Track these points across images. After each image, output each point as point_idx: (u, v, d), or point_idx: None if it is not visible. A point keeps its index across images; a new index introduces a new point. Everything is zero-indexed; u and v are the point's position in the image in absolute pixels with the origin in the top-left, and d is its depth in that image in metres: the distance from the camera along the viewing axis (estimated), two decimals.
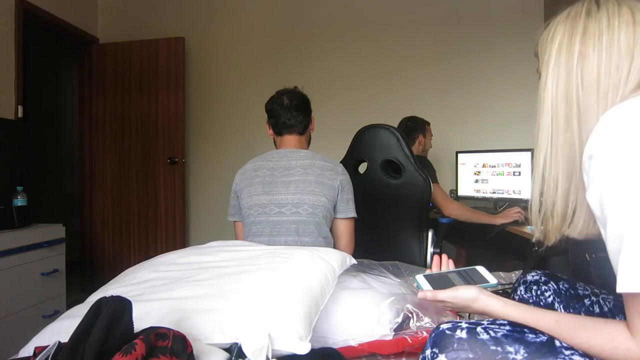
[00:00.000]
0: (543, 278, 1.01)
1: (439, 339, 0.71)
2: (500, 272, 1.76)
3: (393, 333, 0.99)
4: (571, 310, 0.95)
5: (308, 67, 3.51)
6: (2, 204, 2.25)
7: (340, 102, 3.44)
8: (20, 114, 2.83)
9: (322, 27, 3.54)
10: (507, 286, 1.55)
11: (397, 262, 1.31)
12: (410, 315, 1.02)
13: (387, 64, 3.45)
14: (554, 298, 0.98)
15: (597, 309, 0.92)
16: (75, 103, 3.97)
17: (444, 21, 3.36)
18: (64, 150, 4.45)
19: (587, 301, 0.94)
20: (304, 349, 0.84)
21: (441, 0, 3.37)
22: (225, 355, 0.81)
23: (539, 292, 1.00)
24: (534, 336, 0.69)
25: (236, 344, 0.83)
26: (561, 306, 0.97)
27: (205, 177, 3.71)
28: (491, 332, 0.70)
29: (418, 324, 1.00)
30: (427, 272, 0.92)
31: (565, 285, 0.99)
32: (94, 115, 3.62)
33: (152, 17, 3.74)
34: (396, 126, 2.53)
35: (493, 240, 2.26)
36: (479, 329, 0.71)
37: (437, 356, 0.70)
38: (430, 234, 1.92)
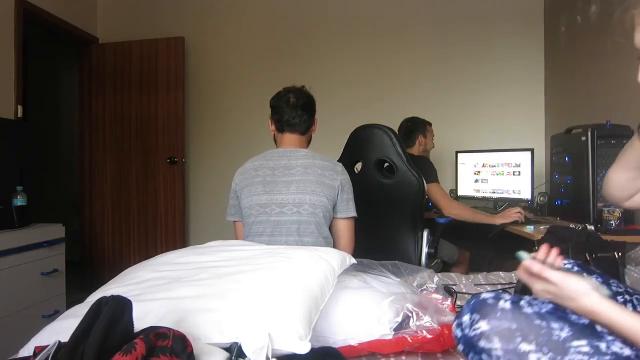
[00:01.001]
0: (576, 268, 0.96)
1: (480, 307, 0.69)
2: (501, 272, 1.76)
3: (393, 333, 0.99)
4: None
5: (308, 67, 3.52)
6: (2, 204, 2.25)
7: (340, 102, 3.44)
8: (20, 114, 2.83)
9: (322, 27, 3.54)
10: (507, 286, 1.55)
11: (397, 262, 1.31)
12: (410, 315, 1.01)
13: (387, 64, 3.45)
14: None
15: (630, 308, 0.89)
16: (75, 103, 3.97)
17: (444, 22, 3.37)
18: (64, 150, 4.45)
19: (620, 298, 0.91)
20: (304, 348, 0.84)
21: (441, 2, 3.37)
22: (226, 355, 0.81)
23: None
24: (577, 318, 0.68)
25: (236, 343, 0.83)
26: None
27: (205, 177, 3.71)
28: (535, 307, 0.69)
29: (418, 323, 1.00)
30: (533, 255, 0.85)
31: (599, 280, 0.93)
32: (94, 115, 3.62)
33: (152, 17, 3.74)
34: (397, 126, 2.54)
35: (493, 241, 2.26)
36: (522, 302, 0.70)
37: (477, 322, 0.68)
38: (425, 234, 1.92)
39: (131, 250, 3.57)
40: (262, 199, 1.53)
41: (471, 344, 0.69)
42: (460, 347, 0.72)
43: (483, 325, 0.67)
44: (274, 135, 1.71)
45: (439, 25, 3.37)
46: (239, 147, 3.56)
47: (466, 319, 0.70)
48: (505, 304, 0.68)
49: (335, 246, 1.58)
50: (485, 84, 3.31)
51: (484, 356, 0.67)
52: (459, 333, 0.71)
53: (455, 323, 0.73)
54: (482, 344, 0.67)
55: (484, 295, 0.71)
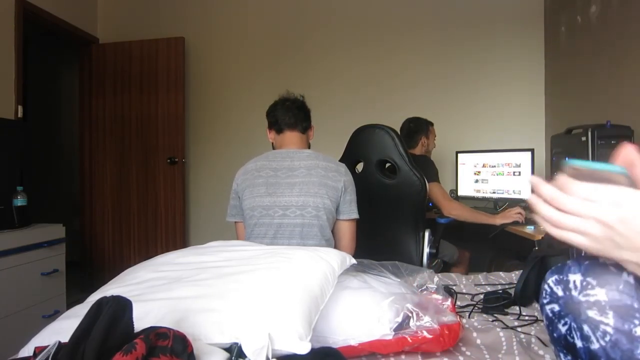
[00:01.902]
0: None
1: (598, 270, 0.57)
2: (501, 272, 1.76)
3: (393, 332, 0.99)
4: None
5: (308, 67, 3.51)
6: (2, 204, 2.25)
7: (341, 102, 3.44)
8: (20, 114, 2.84)
9: (322, 27, 3.54)
10: (507, 286, 1.55)
11: (396, 262, 1.31)
12: (410, 315, 1.01)
13: (388, 64, 3.45)
14: None
15: None
16: (75, 103, 3.97)
17: (444, 23, 3.37)
18: (64, 150, 4.45)
19: None
20: (304, 348, 0.84)
21: (442, 3, 3.37)
22: (226, 355, 0.81)
23: None
24: None
25: (236, 343, 0.83)
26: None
27: (205, 177, 3.71)
28: None
29: (418, 323, 1.00)
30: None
31: None
32: (94, 115, 3.62)
33: (152, 17, 3.74)
34: (398, 126, 2.54)
35: (493, 241, 2.26)
36: None
37: (592, 287, 0.57)
38: (427, 234, 1.92)
39: (131, 250, 3.57)
40: (265, 200, 1.53)
41: (576, 309, 0.58)
42: (553, 307, 0.61)
43: (600, 294, 0.56)
44: (273, 143, 1.72)
45: (439, 26, 3.38)
46: (239, 147, 3.56)
47: (575, 278, 0.58)
48: (629, 277, 0.56)
49: (336, 247, 1.58)
50: (486, 84, 3.31)
51: (586, 326, 0.57)
52: (559, 291, 0.60)
53: (555, 278, 0.61)
54: (592, 313, 0.56)
55: (602, 260, 0.58)
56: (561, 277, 0.60)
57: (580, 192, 0.50)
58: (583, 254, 0.60)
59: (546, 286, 0.63)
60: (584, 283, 0.58)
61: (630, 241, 0.49)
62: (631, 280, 0.56)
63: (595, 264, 0.58)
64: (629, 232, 0.48)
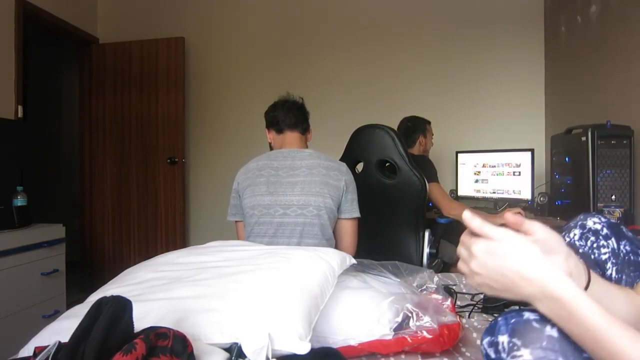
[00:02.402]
0: (605, 231, 0.86)
1: (523, 330, 0.59)
2: None
3: (393, 333, 0.99)
4: (623, 276, 0.82)
5: (308, 67, 3.51)
6: (2, 204, 2.25)
7: (341, 102, 3.44)
8: (20, 114, 2.84)
9: (322, 28, 3.54)
10: None
11: (396, 262, 1.31)
12: (410, 315, 1.02)
13: (388, 64, 3.45)
14: (609, 257, 0.85)
15: None
16: (75, 103, 3.97)
17: (444, 22, 3.37)
18: (64, 150, 4.45)
19: None
20: (304, 348, 0.84)
21: (442, 3, 3.37)
22: (225, 355, 0.81)
23: (594, 245, 0.86)
24: None
25: (236, 343, 0.83)
26: (614, 269, 0.84)
27: (205, 177, 3.71)
28: None
29: (418, 323, 1.00)
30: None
31: (627, 248, 0.85)
32: (94, 115, 3.62)
33: (152, 17, 3.74)
34: (397, 125, 2.54)
35: None
36: None
37: (517, 349, 0.58)
38: (427, 234, 1.92)
39: (131, 250, 3.57)
40: (266, 199, 1.53)
41: None
42: None
43: (525, 354, 0.58)
44: (270, 143, 1.72)
45: (439, 26, 3.37)
46: (239, 147, 3.56)
47: (503, 340, 0.61)
48: (552, 330, 0.58)
49: (338, 246, 1.59)
50: (485, 84, 3.30)
51: None
52: (492, 354, 0.62)
53: (488, 340, 0.64)
54: None
55: (527, 315, 0.61)
56: (492, 338, 0.63)
57: (465, 242, 0.60)
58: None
59: (482, 348, 0.66)
60: (511, 344, 0.60)
61: (500, 284, 0.57)
62: (555, 333, 0.57)
63: (520, 321, 0.60)
64: (493, 276, 0.57)
